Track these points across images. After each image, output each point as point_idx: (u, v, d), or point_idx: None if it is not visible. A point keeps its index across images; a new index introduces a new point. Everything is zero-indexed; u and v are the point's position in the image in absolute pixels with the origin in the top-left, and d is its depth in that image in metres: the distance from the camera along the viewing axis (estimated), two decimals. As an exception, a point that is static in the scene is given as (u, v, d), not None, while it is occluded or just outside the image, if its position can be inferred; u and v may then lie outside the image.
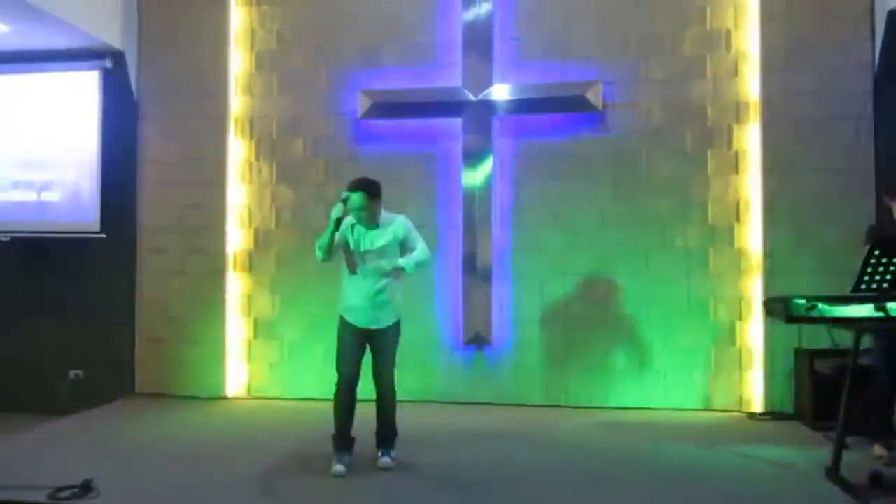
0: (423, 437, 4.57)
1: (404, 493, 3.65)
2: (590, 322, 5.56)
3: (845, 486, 3.53)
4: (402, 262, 3.93)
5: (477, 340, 5.62)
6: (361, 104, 5.71)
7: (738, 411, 5.36)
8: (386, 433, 4.05)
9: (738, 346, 5.43)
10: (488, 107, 5.63)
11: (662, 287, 5.47)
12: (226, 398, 5.82)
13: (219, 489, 3.70)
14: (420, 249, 4.00)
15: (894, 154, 5.11)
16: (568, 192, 5.61)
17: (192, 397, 5.78)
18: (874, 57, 5.22)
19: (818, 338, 4.84)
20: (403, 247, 3.99)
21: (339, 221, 3.86)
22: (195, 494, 3.64)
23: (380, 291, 3.92)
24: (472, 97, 5.63)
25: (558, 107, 5.57)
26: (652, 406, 5.43)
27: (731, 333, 5.44)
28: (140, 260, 6.05)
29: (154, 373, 5.95)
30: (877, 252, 3.14)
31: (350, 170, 5.04)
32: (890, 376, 3.98)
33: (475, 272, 5.64)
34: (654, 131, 5.54)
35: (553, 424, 5.05)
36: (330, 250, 3.92)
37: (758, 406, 5.33)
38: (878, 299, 3.30)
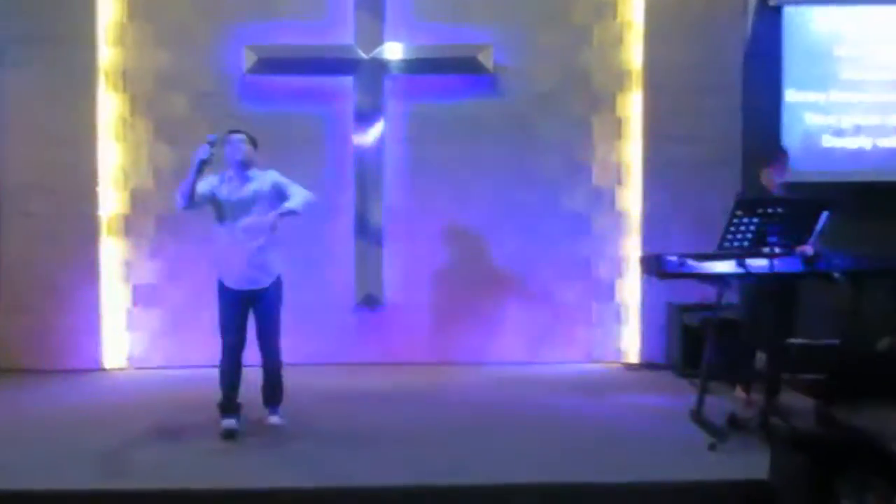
0: (316, 399, 4.57)
1: (298, 452, 3.65)
2: (480, 281, 5.70)
3: (707, 427, 3.85)
4: (287, 205, 3.78)
5: (369, 301, 5.63)
6: (247, 60, 5.46)
7: (617, 363, 5.70)
8: (273, 391, 4.01)
9: (617, 301, 5.74)
10: (380, 66, 5.55)
11: (549, 246, 5.67)
12: (104, 370, 5.53)
13: (91, 460, 3.53)
14: (299, 190, 3.86)
15: (759, 125, 5.50)
16: (459, 154, 5.65)
17: (66, 371, 5.41)
18: (747, 32, 5.55)
19: (689, 293, 5.20)
20: (280, 197, 3.84)
21: (203, 163, 3.67)
22: (66, 466, 3.46)
23: (258, 250, 3.78)
24: (363, 55, 5.53)
25: (450, 68, 5.57)
26: (538, 361, 5.65)
27: (612, 290, 5.75)
28: (4, 223, 5.56)
29: (19, 346, 5.48)
30: (739, 212, 3.39)
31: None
32: (751, 327, 4.34)
33: (367, 233, 5.62)
34: (542, 96, 5.66)
35: (443, 382, 5.17)
36: (192, 196, 3.71)
37: (635, 358, 5.69)
38: (740, 256, 3.58)
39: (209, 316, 5.12)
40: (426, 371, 5.45)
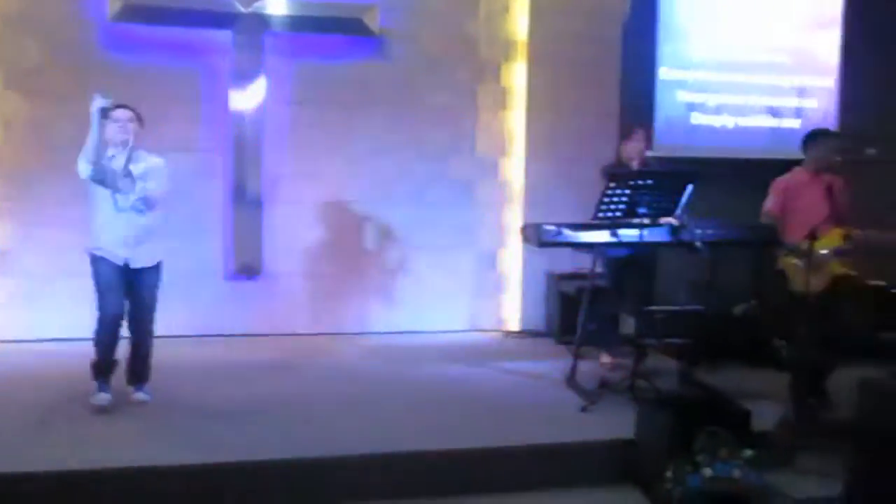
0: (191, 374, 4.35)
1: (175, 428, 3.47)
2: (363, 250, 5.62)
3: (580, 390, 4.02)
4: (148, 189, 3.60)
5: (246, 270, 5.41)
6: (111, 5, 5.00)
7: (500, 331, 5.82)
8: (141, 368, 3.80)
9: (499, 271, 5.85)
10: (261, 21, 5.25)
11: (434, 215, 5.66)
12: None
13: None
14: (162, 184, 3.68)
15: (635, 100, 5.72)
16: (345, 118, 5.50)
17: None
18: (627, 8, 5.71)
19: (568, 262, 5.36)
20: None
21: (105, 112, 3.39)
22: None
23: (141, 229, 3.61)
24: (242, 8, 5.21)
25: (334, 28, 5.38)
26: (421, 329, 5.67)
27: (494, 259, 5.84)
28: None
29: None
30: (612, 184, 3.52)
31: (99, 81, 4.44)
32: (616, 295, 4.55)
33: (244, 199, 5.36)
34: (429, 62, 5.59)
35: (325, 353, 5.07)
36: (97, 154, 3.41)
37: (516, 325, 5.82)
38: (613, 226, 3.72)
39: (69, 285, 4.79)
40: (307, 342, 5.33)
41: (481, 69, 5.70)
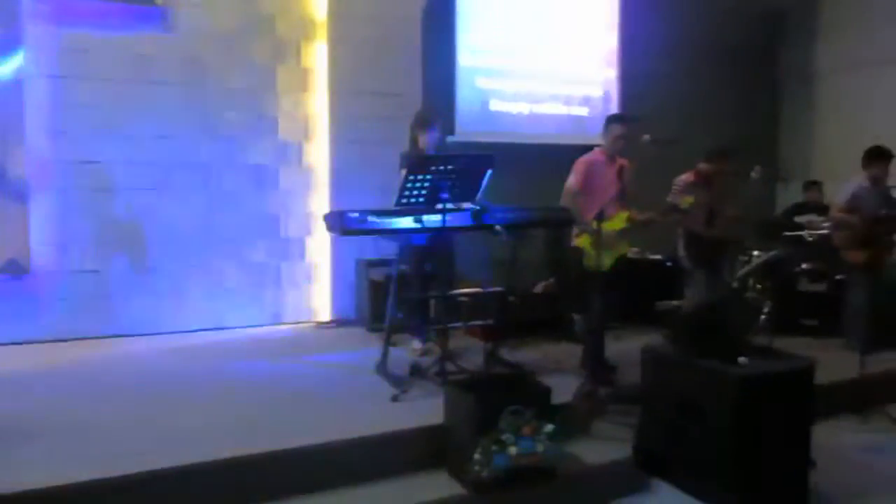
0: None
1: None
2: (152, 241, 5.12)
3: (390, 378, 3.97)
4: None
5: (12, 268, 4.70)
6: None
7: (309, 322, 5.62)
8: None
9: (306, 260, 5.63)
10: (14, -17, 4.56)
11: (233, 203, 5.32)
12: None
13: None
14: None
15: (437, 85, 5.76)
16: (125, 96, 4.96)
17: None
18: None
19: (378, 249, 5.28)
20: None
21: None
22: None
23: None
24: (-13, -33, 4.48)
25: (107, -6, 4.82)
26: (225, 326, 5.32)
27: (301, 248, 5.61)
28: None
29: None
30: (413, 170, 3.48)
31: None
32: (420, 280, 4.56)
33: (6, 187, 4.66)
34: (222, 38, 5.21)
35: (111, 357, 4.57)
36: None
37: (327, 316, 5.66)
38: (417, 212, 3.69)
39: None
40: (91, 347, 4.77)
41: (280, 48, 5.42)
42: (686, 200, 4.33)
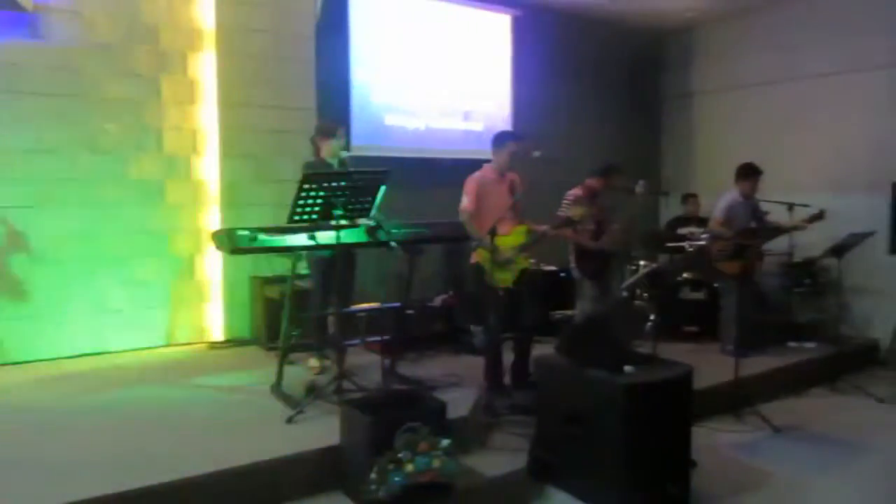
0: None
1: None
2: (28, 263, 4.77)
3: (285, 398, 3.87)
4: None
5: None
6: None
7: (201, 343, 5.40)
8: None
9: (197, 278, 5.42)
10: None
11: (116, 220, 5.04)
12: None
13: None
14: None
15: (332, 99, 5.71)
16: (-9, 108, 4.61)
17: None
18: (317, 6, 5.67)
19: (274, 265, 5.17)
20: None
21: None
22: None
23: None
24: None
25: (-31, -2, 4.47)
26: (110, 350, 5.02)
27: (191, 266, 5.39)
28: None
29: None
30: (306, 186, 3.41)
31: None
32: (322, 296, 4.50)
33: None
34: (101, 47, 4.95)
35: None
36: None
37: (219, 335, 5.45)
38: (310, 228, 3.63)
39: None
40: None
41: (164, 58, 5.20)
42: (578, 212, 4.50)
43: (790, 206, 5.38)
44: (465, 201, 4.23)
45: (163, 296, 5.27)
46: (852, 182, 6.33)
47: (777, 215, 5.52)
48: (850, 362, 5.62)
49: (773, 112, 7.00)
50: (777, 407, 4.71)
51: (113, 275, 5.05)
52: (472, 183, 4.27)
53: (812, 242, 5.93)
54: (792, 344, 5.78)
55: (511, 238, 4.17)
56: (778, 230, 5.43)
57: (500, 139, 4.38)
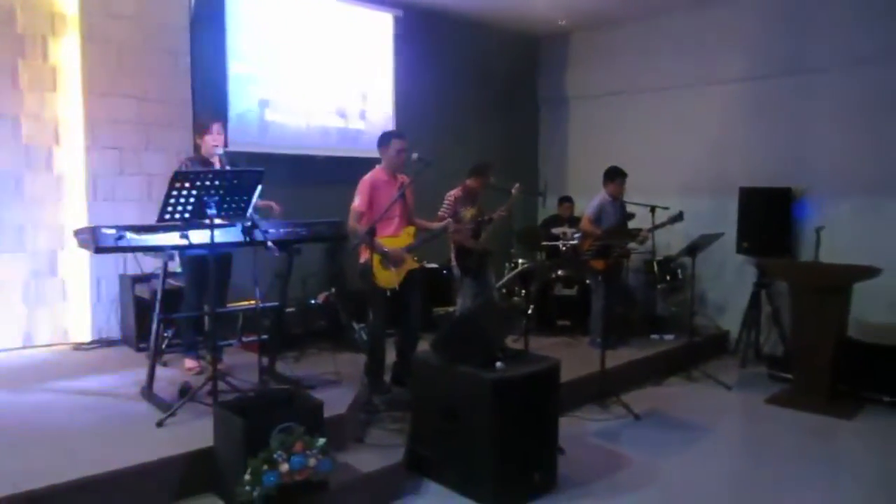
0: None
1: None
2: None
3: (156, 401, 3.75)
4: None
5: None
6: None
7: (64, 344, 5.10)
8: None
9: (60, 276, 5.11)
10: None
11: (-33, 215, 4.67)
12: None
13: None
14: None
15: (209, 92, 5.54)
16: None
17: None
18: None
19: (144, 262, 4.96)
20: None
21: None
22: None
23: None
24: None
25: None
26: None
27: (54, 263, 5.08)
28: None
29: None
30: (177, 184, 3.30)
31: None
32: (196, 295, 4.37)
33: None
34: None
35: None
36: None
37: (85, 336, 5.18)
38: (182, 227, 3.52)
39: None
40: None
41: (21, 42, 4.86)
42: (468, 213, 4.60)
43: (652, 208, 5.77)
44: (357, 201, 4.24)
45: (21, 294, 4.94)
46: (704, 186, 6.87)
47: (640, 216, 5.91)
48: (703, 352, 6.12)
49: (640, 118, 7.45)
50: (638, 395, 5.07)
51: (-39, 273, 4.68)
52: (365, 184, 4.28)
53: (669, 242, 6.42)
54: (654, 336, 6.22)
55: (400, 240, 4.24)
56: (640, 231, 5.80)
57: (384, 139, 4.42)
